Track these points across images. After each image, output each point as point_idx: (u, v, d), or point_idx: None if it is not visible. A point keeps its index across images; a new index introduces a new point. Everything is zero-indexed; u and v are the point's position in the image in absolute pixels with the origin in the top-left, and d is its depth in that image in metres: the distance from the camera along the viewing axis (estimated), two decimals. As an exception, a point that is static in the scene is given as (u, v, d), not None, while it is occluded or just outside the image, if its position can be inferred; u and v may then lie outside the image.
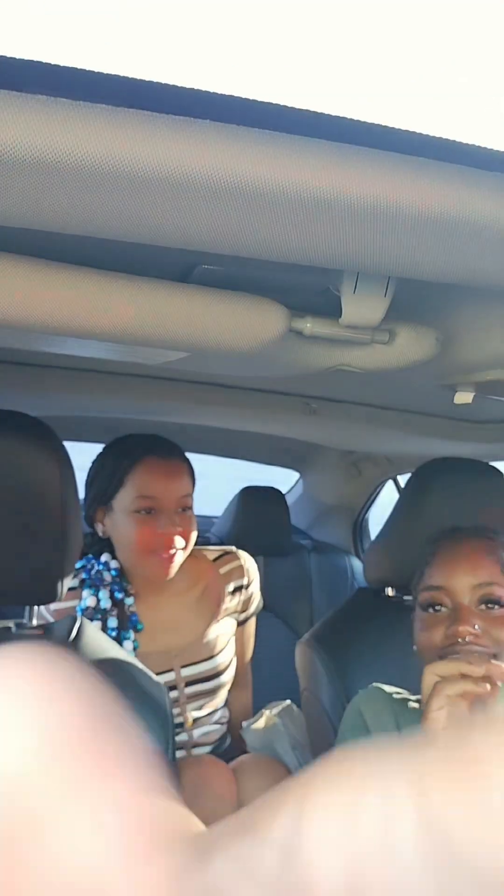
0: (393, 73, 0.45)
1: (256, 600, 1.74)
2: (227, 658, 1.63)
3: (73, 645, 0.92)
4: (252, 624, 1.76)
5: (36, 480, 0.95)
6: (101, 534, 1.52)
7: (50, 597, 0.97)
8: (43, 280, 0.71)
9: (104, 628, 1.46)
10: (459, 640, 1.05)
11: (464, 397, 1.12)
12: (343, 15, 0.44)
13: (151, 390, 1.60)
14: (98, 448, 1.62)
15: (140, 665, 1.04)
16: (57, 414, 1.78)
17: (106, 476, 1.51)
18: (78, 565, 1.51)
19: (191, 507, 1.52)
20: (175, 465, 1.51)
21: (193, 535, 1.52)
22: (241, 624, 1.71)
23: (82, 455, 1.45)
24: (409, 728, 1.17)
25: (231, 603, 1.66)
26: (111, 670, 0.91)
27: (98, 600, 1.47)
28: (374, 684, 1.25)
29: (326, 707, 1.44)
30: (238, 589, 1.67)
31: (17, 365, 1.44)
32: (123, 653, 1.02)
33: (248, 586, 1.69)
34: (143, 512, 1.46)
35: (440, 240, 0.58)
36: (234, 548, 1.72)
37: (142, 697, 0.99)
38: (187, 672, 1.55)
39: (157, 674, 1.48)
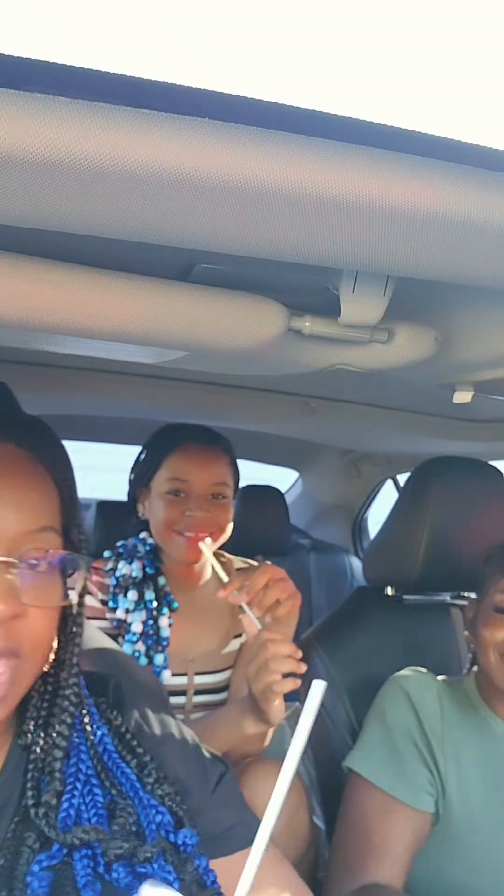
0: (392, 72, 0.46)
1: None
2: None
3: None
4: None
5: None
6: (140, 515, 1.59)
7: None
8: (42, 279, 0.71)
9: (141, 598, 1.49)
10: None
11: (463, 396, 1.12)
12: (343, 13, 0.44)
13: (151, 390, 1.61)
14: (98, 447, 1.63)
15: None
16: (57, 413, 1.78)
17: (147, 459, 1.58)
18: (119, 544, 1.60)
19: (226, 496, 1.55)
20: (211, 453, 1.56)
21: (226, 524, 1.55)
22: None
23: (82, 455, 1.46)
24: (452, 708, 1.22)
25: None
26: (106, 661, 0.91)
27: (132, 570, 1.53)
28: (412, 668, 1.30)
29: (325, 705, 1.44)
30: None
31: (17, 364, 1.44)
32: (117, 646, 1.01)
33: None
34: (174, 494, 1.51)
35: (439, 239, 0.58)
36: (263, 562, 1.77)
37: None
38: (200, 680, 1.53)
39: (173, 675, 1.49)
